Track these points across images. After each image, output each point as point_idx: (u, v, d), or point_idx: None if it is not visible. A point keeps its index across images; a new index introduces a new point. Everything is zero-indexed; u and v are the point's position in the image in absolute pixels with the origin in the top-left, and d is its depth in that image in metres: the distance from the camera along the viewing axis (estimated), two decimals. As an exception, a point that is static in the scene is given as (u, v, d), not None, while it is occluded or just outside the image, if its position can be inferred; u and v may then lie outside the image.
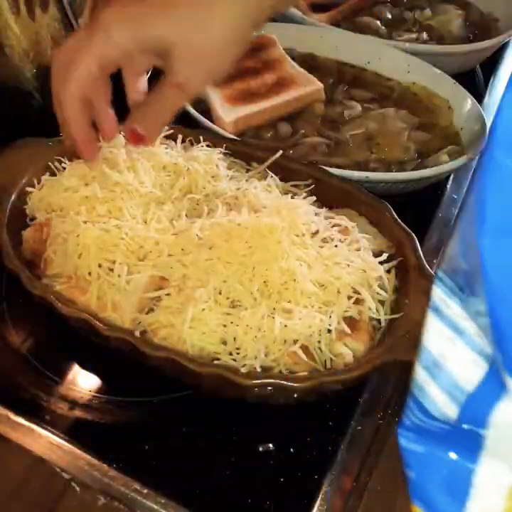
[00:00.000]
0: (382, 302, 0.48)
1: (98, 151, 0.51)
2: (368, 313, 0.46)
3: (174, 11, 0.43)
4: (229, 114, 0.69)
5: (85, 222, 0.49)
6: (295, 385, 0.41)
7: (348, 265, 0.47)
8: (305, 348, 0.43)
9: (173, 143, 0.57)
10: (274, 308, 0.45)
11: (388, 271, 0.49)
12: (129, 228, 0.48)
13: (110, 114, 0.49)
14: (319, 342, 0.44)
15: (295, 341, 0.44)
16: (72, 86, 0.45)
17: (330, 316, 0.45)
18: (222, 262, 0.46)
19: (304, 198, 0.52)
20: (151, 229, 0.49)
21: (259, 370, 0.42)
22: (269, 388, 0.42)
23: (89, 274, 0.47)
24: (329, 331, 0.44)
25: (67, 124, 0.48)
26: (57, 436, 0.47)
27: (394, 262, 0.49)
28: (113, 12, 0.43)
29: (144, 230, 0.48)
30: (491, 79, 0.85)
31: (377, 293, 0.47)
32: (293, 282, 0.45)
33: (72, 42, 0.46)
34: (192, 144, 0.58)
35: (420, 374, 0.27)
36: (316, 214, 0.51)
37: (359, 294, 0.46)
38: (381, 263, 0.48)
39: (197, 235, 0.48)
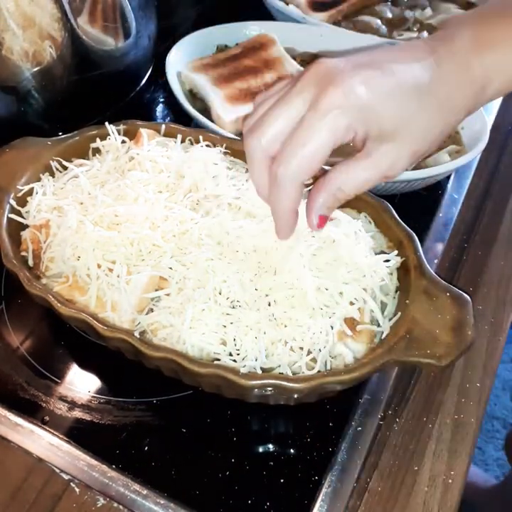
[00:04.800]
0: (383, 303, 0.48)
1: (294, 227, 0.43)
2: (369, 314, 0.46)
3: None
4: (229, 114, 0.69)
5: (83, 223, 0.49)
6: (295, 385, 0.41)
7: (349, 265, 0.47)
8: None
9: (173, 143, 0.57)
10: (274, 311, 0.45)
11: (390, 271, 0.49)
12: (128, 229, 0.48)
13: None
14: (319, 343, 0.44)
15: (295, 341, 0.44)
16: (303, 164, 0.38)
17: (330, 317, 0.45)
18: (222, 262, 0.46)
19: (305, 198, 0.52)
20: (150, 228, 0.48)
21: (259, 371, 0.42)
22: (269, 388, 0.42)
23: (88, 275, 0.47)
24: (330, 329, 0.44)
25: (276, 205, 0.41)
26: (57, 436, 0.47)
27: (396, 263, 0.48)
28: (355, 71, 0.37)
29: (144, 230, 0.48)
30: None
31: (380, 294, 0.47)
32: (296, 282, 0.45)
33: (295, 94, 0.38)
34: (192, 144, 0.58)
35: None
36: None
37: (362, 298, 0.46)
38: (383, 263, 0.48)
39: (197, 235, 0.48)
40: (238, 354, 0.44)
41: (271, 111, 0.39)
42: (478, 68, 0.38)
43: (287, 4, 0.86)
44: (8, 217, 0.51)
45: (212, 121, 0.69)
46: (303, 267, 0.45)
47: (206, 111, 0.71)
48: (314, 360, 0.43)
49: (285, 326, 0.44)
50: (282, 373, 0.43)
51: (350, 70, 0.37)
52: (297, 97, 0.38)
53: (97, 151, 0.58)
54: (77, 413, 0.49)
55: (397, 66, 0.38)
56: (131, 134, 0.58)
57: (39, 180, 0.54)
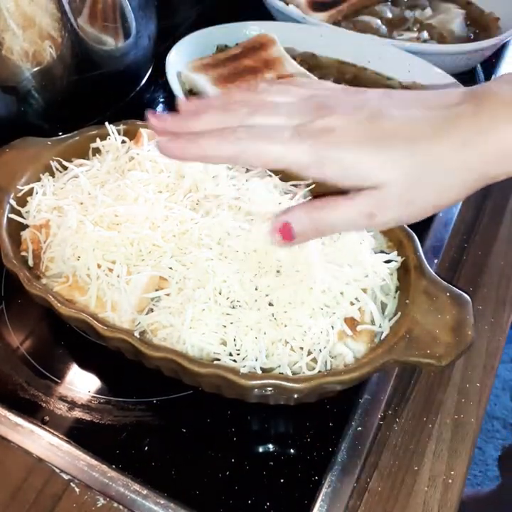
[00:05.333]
0: (383, 303, 0.48)
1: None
2: (369, 314, 0.46)
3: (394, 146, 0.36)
4: (229, 114, 0.69)
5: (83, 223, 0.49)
6: (295, 385, 0.41)
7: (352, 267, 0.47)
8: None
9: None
10: (274, 310, 0.45)
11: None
12: (128, 229, 0.48)
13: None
14: (320, 343, 0.44)
15: (295, 341, 0.44)
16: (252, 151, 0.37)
17: (330, 317, 0.45)
18: (222, 262, 0.46)
19: (305, 197, 0.52)
20: (150, 228, 0.48)
21: (259, 371, 0.42)
22: (269, 388, 0.42)
23: (88, 275, 0.47)
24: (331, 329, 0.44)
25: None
26: (57, 436, 0.47)
27: (397, 264, 0.48)
28: (346, 125, 0.36)
29: (144, 230, 0.48)
30: (492, 78, 0.85)
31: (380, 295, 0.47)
32: (299, 281, 0.45)
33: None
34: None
35: None
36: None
37: (362, 297, 0.46)
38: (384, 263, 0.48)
39: (197, 235, 0.48)
40: (238, 354, 0.44)
41: (269, 113, 0.39)
42: (501, 138, 0.34)
43: (287, 4, 0.86)
44: (8, 217, 0.51)
45: (212, 121, 0.69)
46: (315, 264, 0.45)
47: (206, 111, 0.71)
48: (314, 360, 0.43)
49: (285, 326, 0.44)
50: (282, 373, 0.43)
51: (349, 112, 0.37)
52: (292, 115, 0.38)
53: (97, 151, 0.58)
54: (77, 413, 0.49)
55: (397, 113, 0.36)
56: (131, 134, 0.58)
57: (39, 180, 0.54)
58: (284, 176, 0.55)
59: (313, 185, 0.54)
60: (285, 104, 0.39)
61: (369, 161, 0.36)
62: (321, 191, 0.46)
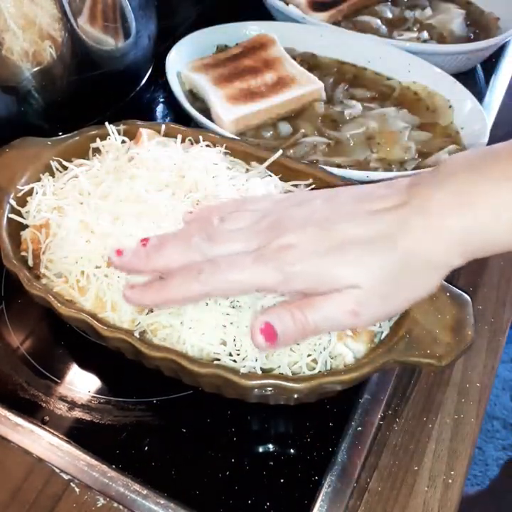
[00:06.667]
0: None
1: None
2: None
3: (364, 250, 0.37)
4: (229, 114, 0.69)
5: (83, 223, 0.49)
6: (295, 385, 0.41)
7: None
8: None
9: (173, 143, 0.57)
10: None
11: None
12: (128, 229, 0.48)
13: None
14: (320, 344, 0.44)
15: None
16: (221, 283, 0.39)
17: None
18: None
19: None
20: (150, 228, 0.48)
21: (259, 372, 0.42)
22: (269, 388, 0.42)
23: (88, 275, 0.47)
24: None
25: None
26: (57, 436, 0.47)
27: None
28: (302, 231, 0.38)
29: (145, 230, 0.48)
30: (492, 78, 0.85)
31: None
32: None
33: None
34: (192, 144, 0.58)
35: None
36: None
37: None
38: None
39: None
40: (238, 354, 0.44)
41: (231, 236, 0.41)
42: (454, 227, 0.35)
43: (287, 4, 0.86)
44: (8, 217, 0.51)
45: (212, 121, 0.69)
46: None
47: (206, 111, 0.71)
48: (314, 360, 0.43)
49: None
50: (282, 373, 0.43)
51: (300, 227, 0.38)
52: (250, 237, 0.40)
53: (97, 151, 0.58)
54: (77, 413, 0.49)
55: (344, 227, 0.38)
56: (131, 134, 0.58)
57: (39, 180, 0.54)
58: (284, 175, 0.55)
59: (313, 185, 0.54)
60: (240, 231, 0.41)
61: (335, 266, 0.37)
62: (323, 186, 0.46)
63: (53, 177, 0.56)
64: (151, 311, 0.46)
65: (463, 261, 0.37)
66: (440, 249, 0.36)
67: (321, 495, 0.44)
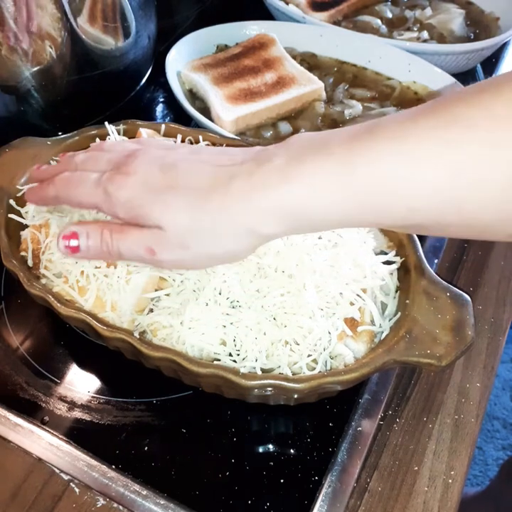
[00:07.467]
0: (383, 303, 0.48)
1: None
2: (369, 314, 0.46)
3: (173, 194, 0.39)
4: (229, 113, 0.69)
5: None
6: (295, 385, 0.41)
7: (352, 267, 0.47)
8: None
9: (173, 142, 0.56)
10: (274, 311, 0.45)
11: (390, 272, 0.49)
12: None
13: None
14: (321, 344, 0.44)
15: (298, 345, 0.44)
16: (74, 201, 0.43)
17: (330, 317, 0.45)
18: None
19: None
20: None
21: (259, 372, 0.42)
22: (269, 389, 0.42)
23: (88, 275, 0.47)
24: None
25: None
26: (57, 437, 0.47)
27: (397, 265, 0.48)
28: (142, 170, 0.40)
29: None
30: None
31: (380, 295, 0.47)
32: (294, 283, 0.45)
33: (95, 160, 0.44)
34: (192, 144, 0.58)
35: None
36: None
37: (362, 298, 0.46)
38: (384, 263, 0.48)
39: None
40: (238, 354, 0.44)
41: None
42: (270, 198, 0.36)
43: (287, 4, 0.86)
44: (7, 217, 0.51)
45: (212, 121, 0.69)
46: (309, 269, 0.45)
47: (206, 111, 0.71)
48: (315, 360, 0.43)
49: (285, 327, 0.44)
50: (282, 374, 0.43)
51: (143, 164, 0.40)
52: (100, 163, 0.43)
53: (96, 151, 0.58)
54: (77, 413, 0.49)
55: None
56: (131, 134, 0.58)
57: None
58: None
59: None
60: (108, 155, 0.43)
61: (150, 203, 0.39)
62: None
63: (53, 177, 0.56)
64: (151, 311, 0.46)
65: (281, 232, 0.37)
66: (252, 217, 0.36)
67: (321, 495, 0.44)
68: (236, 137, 0.64)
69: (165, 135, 0.58)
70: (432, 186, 0.32)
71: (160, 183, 0.39)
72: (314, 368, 0.43)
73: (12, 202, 0.52)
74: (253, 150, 0.40)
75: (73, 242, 0.42)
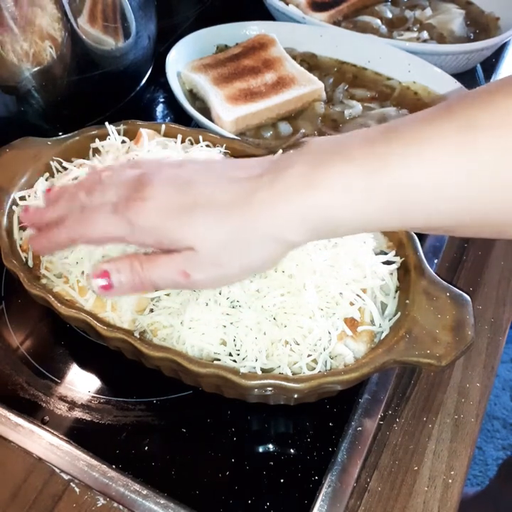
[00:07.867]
0: (383, 303, 0.48)
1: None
2: (369, 314, 0.46)
3: (200, 215, 0.38)
4: (229, 114, 0.69)
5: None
6: (295, 385, 0.41)
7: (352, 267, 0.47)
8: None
9: (173, 143, 0.57)
10: (274, 311, 0.45)
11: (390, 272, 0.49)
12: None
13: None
14: (321, 344, 0.44)
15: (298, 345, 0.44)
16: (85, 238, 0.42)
17: (330, 317, 0.45)
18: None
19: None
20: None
21: (259, 372, 0.42)
22: (269, 388, 0.42)
23: (88, 275, 0.47)
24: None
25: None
26: (57, 436, 0.47)
27: (397, 265, 0.48)
28: (157, 194, 0.39)
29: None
30: (492, 78, 0.85)
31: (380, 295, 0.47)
32: (294, 283, 0.45)
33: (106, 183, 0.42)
34: (192, 144, 0.58)
35: None
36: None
37: (362, 298, 0.46)
38: (384, 263, 0.48)
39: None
40: (238, 354, 0.44)
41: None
42: (295, 205, 0.36)
43: (287, 4, 0.86)
44: (7, 217, 0.51)
45: (212, 121, 0.69)
46: (309, 269, 0.45)
47: (206, 111, 0.71)
48: (315, 360, 0.43)
49: (285, 327, 0.44)
50: (282, 373, 0.43)
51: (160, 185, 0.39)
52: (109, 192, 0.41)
53: (96, 151, 0.58)
54: (77, 413, 0.49)
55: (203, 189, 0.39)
56: (131, 134, 0.58)
57: (39, 180, 0.54)
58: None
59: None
60: (115, 184, 0.42)
61: (179, 227, 0.38)
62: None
63: (53, 177, 0.56)
64: (151, 310, 0.46)
65: (307, 239, 0.37)
66: (278, 225, 0.36)
67: (321, 495, 0.44)
68: (236, 137, 0.64)
69: (165, 135, 0.58)
70: (454, 191, 0.33)
71: (181, 204, 0.38)
72: (314, 368, 0.43)
73: (12, 202, 0.52)
74: (267, 160, 0.40)
75: (105, 281, 0.40)
